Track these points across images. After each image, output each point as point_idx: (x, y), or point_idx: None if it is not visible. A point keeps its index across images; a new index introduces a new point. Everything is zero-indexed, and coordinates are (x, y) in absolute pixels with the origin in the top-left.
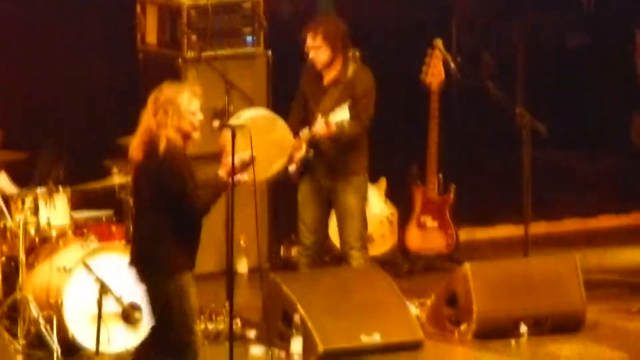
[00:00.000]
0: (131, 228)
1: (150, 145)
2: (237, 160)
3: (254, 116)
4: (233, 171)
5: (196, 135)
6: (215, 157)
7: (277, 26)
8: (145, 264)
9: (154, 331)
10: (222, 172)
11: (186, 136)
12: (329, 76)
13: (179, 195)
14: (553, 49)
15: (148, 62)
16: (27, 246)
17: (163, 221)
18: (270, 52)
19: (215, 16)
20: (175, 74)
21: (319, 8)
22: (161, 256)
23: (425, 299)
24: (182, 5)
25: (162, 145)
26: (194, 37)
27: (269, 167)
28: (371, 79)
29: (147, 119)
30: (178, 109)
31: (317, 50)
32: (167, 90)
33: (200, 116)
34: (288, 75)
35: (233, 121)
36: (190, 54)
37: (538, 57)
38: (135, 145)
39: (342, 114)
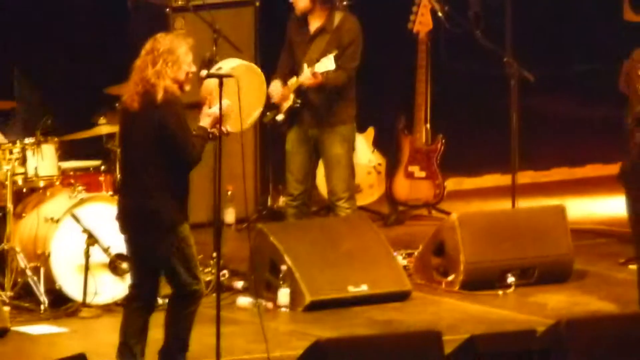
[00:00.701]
0: (120, 179)
1: (147, 95)
2: (218, 112)
3: (233, 66)
4: (220, 121)
5: (187, 87)
6: (193, 107)
7: None
8: (146, 218)
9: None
10: (204, 122)
11: (180, 87)
12: (315, 25)
13: (181, 143)
14: None
15: (136, 11)
16: (14, 196)
17: (162, 174)
18: (258, 1)
19: None
20: (163, 23)
21: None
22: (163, 209)
23: (412, 249)
24: None
25: (160, 95)
26: None
27: (249, 116)
28: (357, 28)
29: (142, 69)
30: (177, 60)
31: None
32: (165, 40)
33: (193, 68)
34: (276, 25)
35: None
36: (178, 3)
37: (527, 3)
38: (129, 96)
39: (328, 64)
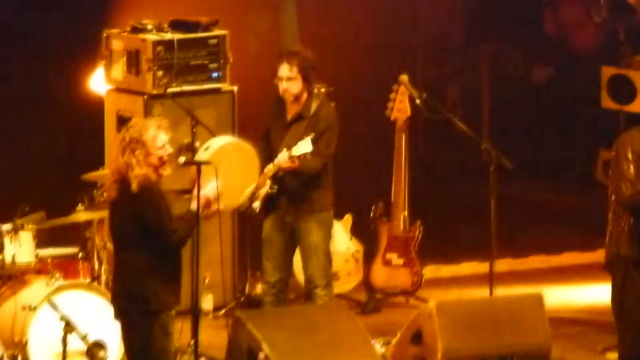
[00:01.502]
0: (99, 265)
1: (122, 183)
2: (208, 193)
3: (223, 144)
4: (198, 208)
5: (166, 171)
6: (183, 193)
7: (243, 61)
8: (129, 302)
9: None
10: (194, 205)
11: (155, 171)
12: (292, 112)
13: (156, 229)
14: (519, 81)
15: (114, 98)
16: None
17: (145, 258)
18: (235, 88)
19: (181, 52)
20: (141, 110)
21: (283, 43)
22: (146, 294)
23: (390, 337)
24: (148, 41)
25: (134, 185)
26: (159, 73)
27: (240, 194)
28: (334, 115)
29: (116, 160)
30: (144, 147)
31: (291, 81)
32: (132, 129)
33: (169, 149)
34: (253, 111)
35: (201, 154)
36: (155, 90)
37: (504, 91)
38: (108, 184)
39: (305, 147)
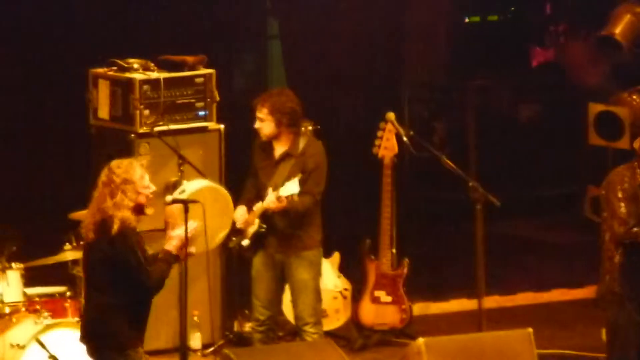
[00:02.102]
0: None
1: (103, 224)
2: (183, 234)
3: (199, 187)
4: (186, 245)
5: (150, 210)
6: (156, 232)
7: (230, 100)
8: (97, 340)
9: None
10: (169, 246)
11: (141, 211)
12: (280, 150)
13: (133, 273)
14: (506, 118)
15: (100, 137)
16: None
17: (115, 298)
18: (222, 126)
19: (168, 90)
20: (127, 149)
21: (270, 80)
22: (112, 333)
23: None
24: (134, 80)
25: (116, 227)
26: (146, 112)
27: (215, 237)
28: (322, 153)
29: (101, 200)
30: (134, 187)
31: (262, 122)
32: (119, 170)
33: (152, 188)
34: (241, 149)
35: (182, 195)
36: (142, 129)
37: (491, 127)
38: (87, 224)
39: (292, 188)
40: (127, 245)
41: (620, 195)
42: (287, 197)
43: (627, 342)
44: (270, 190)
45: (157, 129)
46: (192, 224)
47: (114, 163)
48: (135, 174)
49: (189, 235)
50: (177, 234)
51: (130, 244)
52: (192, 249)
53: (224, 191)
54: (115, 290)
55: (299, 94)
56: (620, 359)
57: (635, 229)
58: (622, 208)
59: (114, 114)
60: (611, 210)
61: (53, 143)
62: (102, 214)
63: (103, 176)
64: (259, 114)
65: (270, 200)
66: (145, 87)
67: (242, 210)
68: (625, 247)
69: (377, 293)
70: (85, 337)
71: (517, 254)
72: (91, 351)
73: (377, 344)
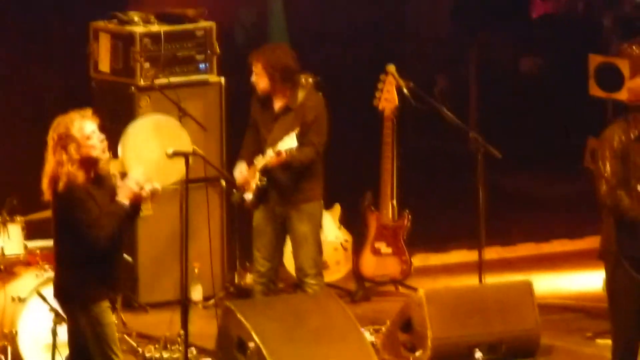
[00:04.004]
0: None
1: (52, 183)
2: (131, 185)
3: (126, 131)
4: (187, 199)
5: (104, 156)
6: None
7: (231, 53)
8: (61, 295)
9: None
10: (121, 197)
11: (91, 162)
12: (279, 104)
13: (82, 229)
14: (507, 71)
15: (101, 90)
16: None
17: (72, 255)
18: (223, 79)
19: (168, 43)
20: (128, 102)
21: (271, 34)
22: (73, 287)
23: (380, 325)
24: (135, 33)
25: (61, 184)
26: (146, 65)
27: (175, 165)
28: (322, 104)
29: (48, 159)
30: (74, 140)
31: (257, 76)
32: (58, 127)
33: (100, 136)
34: (242, 103)
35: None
36: (143, 82)
37: (492, 80)
38: (44, 184)
39: (290, 142)
40: (73, 202)
41: (607, 153)
42: (286, 152)
43: (627, 304)
44: (269, 149)
45: (157, 82)
46: (136, 172)
47: (55, 120)
48: (73, 128)
49: (141, 180)
50: (123, 183)
51: (76, 200)
52: (152, 186)
53: (157, 117)
54: (71, 246)
55: (300, 47)
56: (619, 311)
57: (619, 192)
58: (607, 167)
59: (115, 67)
60: (598, 170)
61: (55, 97)
62: (52, 173)
63: (48, 134)
64: (254, 69)
65: (269, 156)
66: (146, 40)
67: (241, 166)
68: (607, 208)
69: (378, 244)
70: (54, 293)
71: (517, 206)
72: (61, 306)
73: (377, 295)
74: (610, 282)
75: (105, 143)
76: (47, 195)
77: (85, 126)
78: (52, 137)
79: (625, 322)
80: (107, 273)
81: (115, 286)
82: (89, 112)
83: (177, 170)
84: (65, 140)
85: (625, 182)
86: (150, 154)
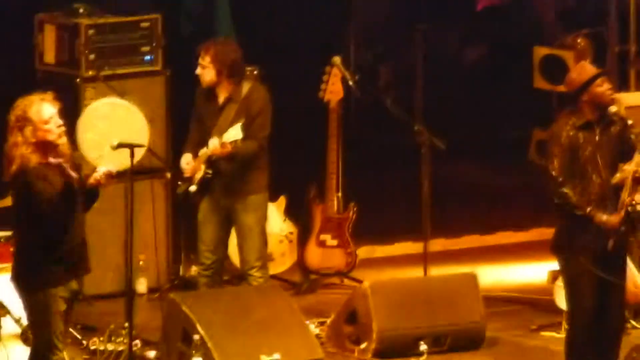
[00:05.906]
0: None
1: (9, 166)
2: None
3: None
4: (132, 190)
5: (60, 141)
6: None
7: (177, 45)
8: (15, 279)
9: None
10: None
11: (47, 146)
12: (223, 96)
13: (35, 210)
14: (452, 61)
15: (46, 82)
16: None
17: (24, 238)
18: (168, 71)
19: (114, 34)
20: (73, 93)
21: (218, 28)
22: (25, 272)
23: (325, 317)
24: (81, 24)
25: (15, 166)
26: (92, 56)
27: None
28: (266, 97)
29: (7, 141)
30: (31, 123)
31: (203, 69)
32: (17, 109)
33: (58, 121)
34: (187, 94)
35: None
36: (88, 73)
37: (437, 70)
38: (4, 166)
39: (235, 134)
40: (25, 184)
41: (556, 151)
42: (230, 143)
43: (582, 294)
44: (214, 138)
45: (102, 73)
46: (101, 169)
47: (16, 102)
48: (31, 111)
49: (112, 172)
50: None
51: (28, 183)
52: (106, 169)
53: (110, 101)
54: (23, 229)
55: (245, 38)
56: (579, 313)
57: (565, 190)
58: (555, 164)
59: (60, 58)
60: (546, 167)
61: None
62: (8, 155)
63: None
64: (201, 61)
65: (214, 145)
66: (91, 31)
67: (187, 157)
68: (555, 204)
69: (323, 237)
70: (10, 276)
71: (462, 198)
72: (15, 289)
73: (322, 287)
74: (565, 272)
75: (63, 128)
76: (6, 176)
77: (43, 109)
78: (9, 119)
79: (583, 312)
80: (62, 257)
81: (72, 270)
82: (49, 95)
83: (125, 158)
84: (22, 122)
85: (579, 175)
86: (105, 137)
